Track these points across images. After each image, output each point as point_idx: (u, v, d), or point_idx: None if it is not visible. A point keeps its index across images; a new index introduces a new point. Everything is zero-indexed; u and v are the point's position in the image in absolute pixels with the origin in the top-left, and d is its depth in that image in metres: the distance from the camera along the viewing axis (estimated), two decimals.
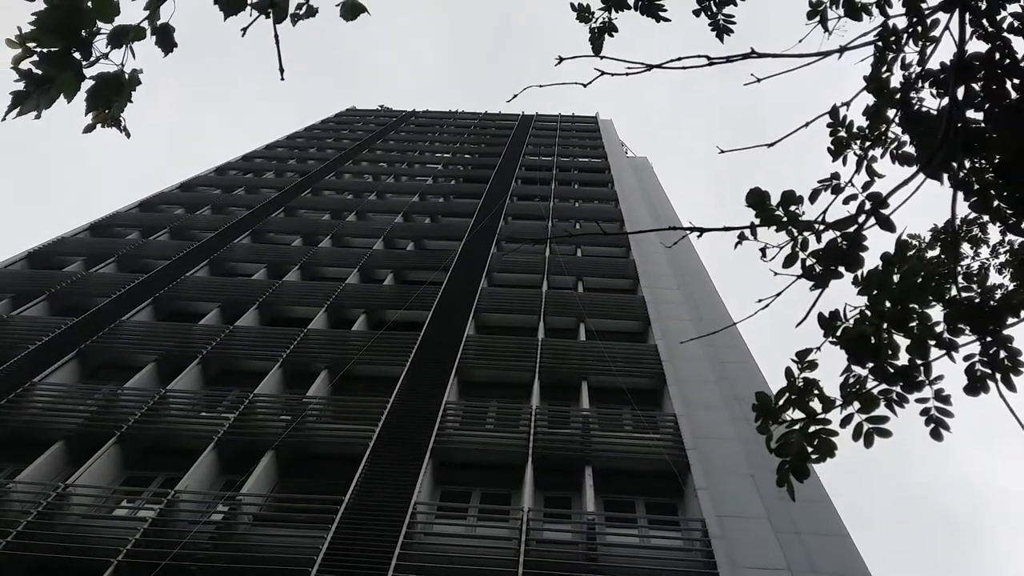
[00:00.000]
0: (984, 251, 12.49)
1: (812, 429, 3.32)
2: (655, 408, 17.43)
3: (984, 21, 3.47)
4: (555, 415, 16.37)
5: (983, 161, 3.25)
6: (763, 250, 3.44)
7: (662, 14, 4.63)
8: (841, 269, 3.31)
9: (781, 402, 3.40)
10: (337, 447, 15.06)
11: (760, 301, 3.54)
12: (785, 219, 3.35)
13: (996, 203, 3.21)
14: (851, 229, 3.24)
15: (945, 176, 3.28)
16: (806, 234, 3.39)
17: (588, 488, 13.74)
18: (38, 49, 2.45)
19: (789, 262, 3.43)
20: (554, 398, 17.52)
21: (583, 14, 4.76)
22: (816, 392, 3.40)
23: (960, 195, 3.31)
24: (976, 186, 3.23)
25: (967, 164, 3.34)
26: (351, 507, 12.71)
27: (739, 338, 20.44)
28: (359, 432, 15.14)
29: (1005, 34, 3.50)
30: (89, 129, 2.73)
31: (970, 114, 3.38)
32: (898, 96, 3.85)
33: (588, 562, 12.04)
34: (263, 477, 14.05)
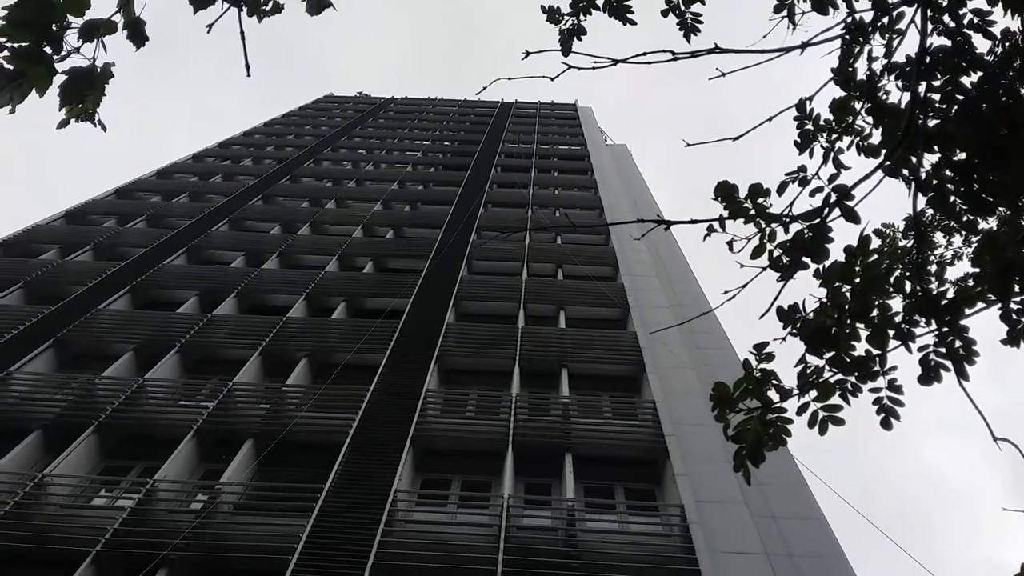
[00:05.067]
0: (957, 239, 12.64)
1: (768, 417, 3.43)
2: (634, 395, 17.56)
3: (946, 17, 3.54)
4: (535, 402, 16.45)
5: (942, 160, 3.32)
6: (730, 243, 3.51)
7: (629, 16, 4.67)
8: (807, 260, 3.38)
9: (738, 392, 3.49)
10: (317, 435, 15.06)
11: (726, 293, 3.62)
12: (753, 211, 3.42)
13: (952, 199, 3.30)
14: (817, 221, 3.31)
15: (906, 172, 3.36)
16: (774, 226, 3.47)
17: (568, 475, 13.84)
18: (9, 44, 2.45)
19: (757, 253, 3.50)
20: (534, 385, 17.59)
21: (553, 16, 4.81)
22: (774, 383, 3.50)
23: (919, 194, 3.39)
24: (935, 181, 3.32)
25: (928, 163, 3.43)
26: (331, 495, 12.74)
27: (717, 324, 20.60)
28: (339, 420, 15.15)
29: (965, 30, 3.57)
30: (63, 124, 2.73)
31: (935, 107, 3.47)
32: (865, 88, 3.92)
33: (568, 548, 12.15)
34: (242, 466, 14.04)
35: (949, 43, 3.64)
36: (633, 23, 4.70)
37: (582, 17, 4.88)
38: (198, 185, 34.75)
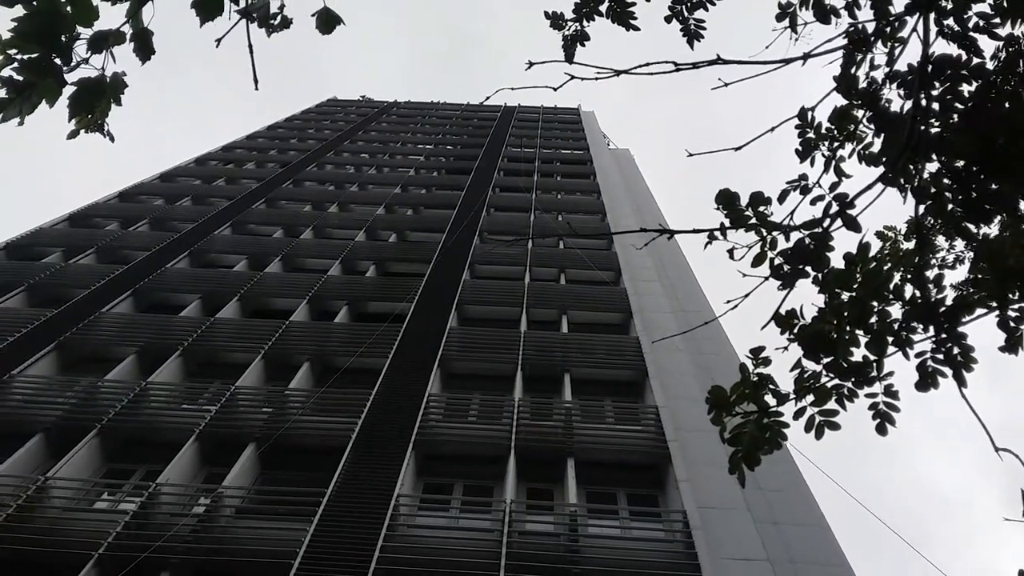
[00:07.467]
0: (959, 243, 12.63)
1: (765, 421, 3.45)
2: (637, 400, 17.56)
3: (951, 21, 3.55)
4: (538, 407, 16.44)
5: (941, 168, 3.34)
6: (731, 251, 3.52)
7: (632, 22, 4.69)
8: (808, 269, 3.40)
9: (735, 396, 3.52)
10: (320, 439, 15.07)
11: (729, 302, 3.63)
12: (754, 219, 3.44)
13: (950, 206, 3.31)
14: (818, 230, 3.33)
15: (902, 180, 3.37)
16: (775, 234, 3.48)
17: (570, 480, 13.84)
18: (18, 56, 2.47)
19: (758, 262, 3.52)
20: (537, 390, 17.60)
21: (556, 22, 4.83)
22: (771, 387, 3.53)
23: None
24: (933, 189, 3.33)
25: (927, 171, 3.43)
26: (334, 499, 12.75)
27: (719, 330, 20.59)
28: (342, 424, 15.16)
29: (971, 34, 3.58)
30: (73, 135, 2.74)
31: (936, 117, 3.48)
32: (867, 97, 3.94)
33: (570, 554, 12.14)
34: (245, 469, 14.05)
35: (954, 48, 3.65)
36: (636, 29, 4.71)
37: (585, 23, 4.91)
38: (201, 188, 34.82)
